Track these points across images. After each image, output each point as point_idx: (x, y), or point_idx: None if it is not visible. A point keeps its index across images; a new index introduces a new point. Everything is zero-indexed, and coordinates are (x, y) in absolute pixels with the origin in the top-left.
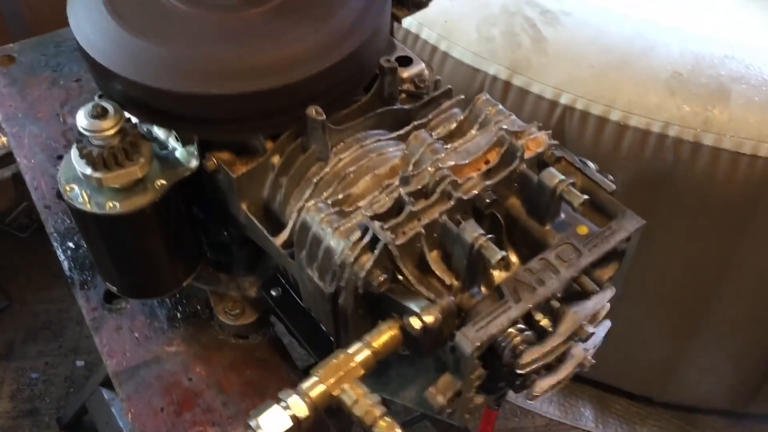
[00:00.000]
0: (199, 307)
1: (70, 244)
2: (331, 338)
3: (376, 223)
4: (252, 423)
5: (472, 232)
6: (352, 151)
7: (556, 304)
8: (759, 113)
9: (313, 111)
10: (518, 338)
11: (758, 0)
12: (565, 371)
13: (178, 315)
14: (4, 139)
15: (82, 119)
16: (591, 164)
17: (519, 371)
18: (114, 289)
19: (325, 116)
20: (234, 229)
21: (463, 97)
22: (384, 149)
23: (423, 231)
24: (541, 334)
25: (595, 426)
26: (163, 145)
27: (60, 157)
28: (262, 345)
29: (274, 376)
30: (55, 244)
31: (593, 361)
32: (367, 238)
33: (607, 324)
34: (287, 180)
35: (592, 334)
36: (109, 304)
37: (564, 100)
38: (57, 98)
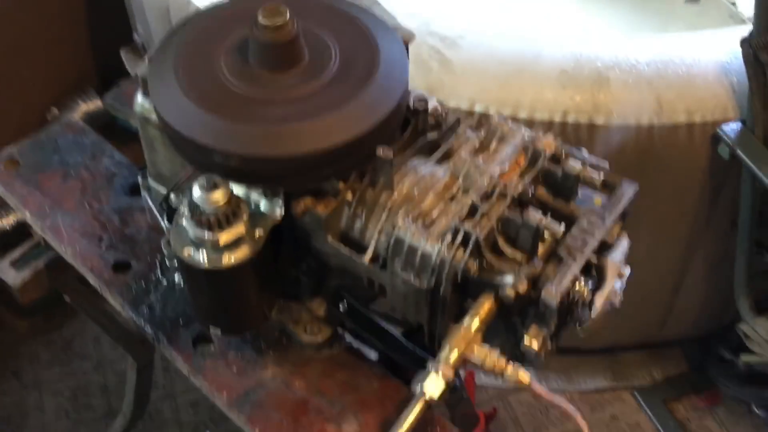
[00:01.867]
0: (277, 334)
1: (145, 309)
2: (397, 335)
3: (465, 224)
4: (417, 389)
5: (535, 217)
6: (410, 178)
7: (594, 258)
8: (634, 91)
9: (382, 151)
10: (584, 288)
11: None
12: (601, 306)
13: (263, 345)
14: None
15: (197, 192)
16: (584, 151)
17: (589, 310)
18: (218, 331)
19: (392, 155)
20: (308, 262)
21: (470, 122)
22: (432, 172)
23: (495, 225)
24: (597, 282)
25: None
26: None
27: (101, 238)
28: (341, 353)
29: (361, 373)
30: (128, 313)
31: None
32: (459, 238)
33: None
34: (365, 210)
35: (627, 274)
36: (198, 347)
37: (478, 108)
38: (76, 188)
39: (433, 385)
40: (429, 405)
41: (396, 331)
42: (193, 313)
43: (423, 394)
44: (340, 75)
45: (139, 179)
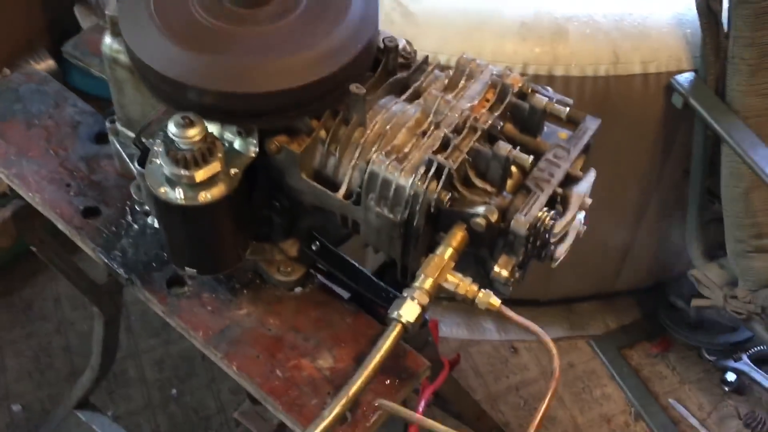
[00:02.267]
0: (250, 275)
1: (117, 252)
2: (369, 273)
3: (439, 157)
4: (394, 315)
5: (505, 148)
6: (381, 115)
7: (560, 190)
8: (592, 42)
9: (355, 87)
10: (548, 216)
11: None
12: (569, 240)
13: (236, 285)
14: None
15: (173, 129)
16: (549, 89)
17: (552, 240)
18: (193, 270)
19: (364, 91)
20: (281, 201)
21: (440, 61)
22: (403, 109)
23: (467, 156)
24: (561, 211)
25: (498, 335)
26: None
27: (68, 185)
28: (314, 291)
29: (334, 309)
30: (100, 256)
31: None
32: (432, 170)
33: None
34: (338, 147)
35: (588, 205)
36: (172, 290)
37: (441, 59)
38: (40, 137)
39: (409, 310)
40: (405, 329)
41: (366, 270)
42: (168, 254)
43: (400, 317)
44: (313, 13)
45: (107, 124)
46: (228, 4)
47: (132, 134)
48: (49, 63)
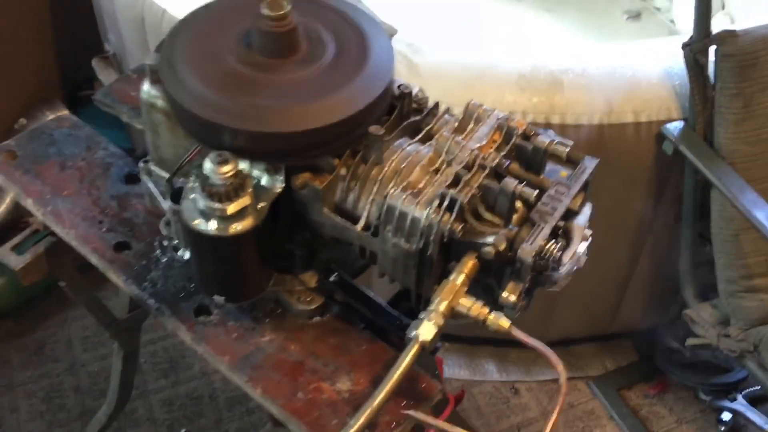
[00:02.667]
0: (272, 304)
1: (147, 284)
2: (383, 303)
3: (451, 191)
4: (412, 334)
5: (512, 183)
6: (397, 154)
7: (562, 223)
8: (586, 93)
9: (374, 129)
10: (554, 247)
11: (550, 12)
12: (571, 267)
13: (259, 314)
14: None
15: (209, 166)
16: (550, 131)
17: (560, 269)
18: (221, 298)
19: (383, 132)
20: (303, 234)
21: (448, 107)
22: (416, 150)
23: (477, 191)
24: (565, 243)
25: (500, 376)
26: None
27: (100, 222)
28: (332, 319)
29: (351, 337)
30: (131, 288)
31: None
32: (445, 203)
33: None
34: (358, 183)
35: (590, 237)
36: (199, 318)
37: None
38: (74, 177)
39: (426, 330)
40: (423, 348)
41: (382, 300)
42: (198, 283)
43: (417, 337)
44: (336, 62)
45: (140, 164)
46: (259, 53)
47: (165, 173)
48: (64, 113)
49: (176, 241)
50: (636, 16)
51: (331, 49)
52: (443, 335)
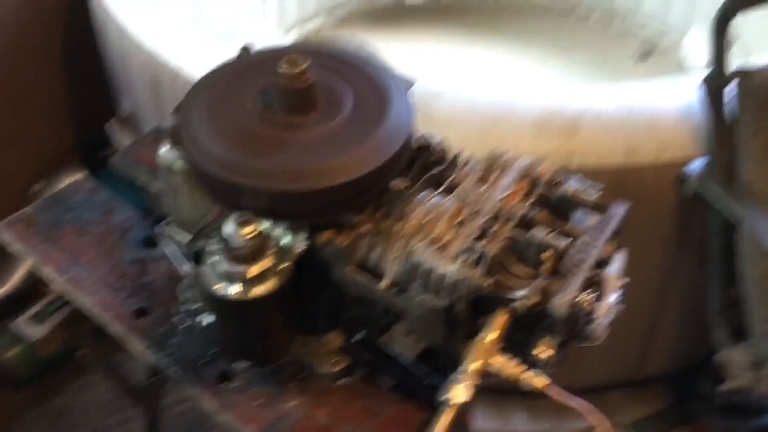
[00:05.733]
0: (296, 368)
1: (167, 351)
2: (409, 363)
3: (478, 244)
4: (444, 398)
5: (540, 233)
6: (420, 208)
7: (595, 272)
8: (604, 136)
9: (396, 183)
10: (587, 299)
11: (557, 57)
12: (607, 319)
13: (284, 378)
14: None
15: (230, 228)
16: (578, 177)
17: (594, 321)
18: (245, 363)
19: (404, 186)
20: (327, 295)
21: (469, 155)
22: (440, 202)
23: (504, 243)
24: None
25: (530, 426)
26: None
27: (119, 288)
28: (359, 381)
29: (380, 398)
30: (152, 356)
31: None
32: (472, 257)
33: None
34: (381, 240)
35: (624, 286)
36: (222, 385)
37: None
38: (92, 243)
39: (460, 393)
40: (458, 411)
41: (408, 358)
42: (221, 348)
43: (449, 401)
44: (355, 116)
45: (160, 228)
46: (277, 112)
47: (183, 237)
48: (79, 176)
49: (196, 306)
50: (645, 56)
51: (350, 102)
52: None
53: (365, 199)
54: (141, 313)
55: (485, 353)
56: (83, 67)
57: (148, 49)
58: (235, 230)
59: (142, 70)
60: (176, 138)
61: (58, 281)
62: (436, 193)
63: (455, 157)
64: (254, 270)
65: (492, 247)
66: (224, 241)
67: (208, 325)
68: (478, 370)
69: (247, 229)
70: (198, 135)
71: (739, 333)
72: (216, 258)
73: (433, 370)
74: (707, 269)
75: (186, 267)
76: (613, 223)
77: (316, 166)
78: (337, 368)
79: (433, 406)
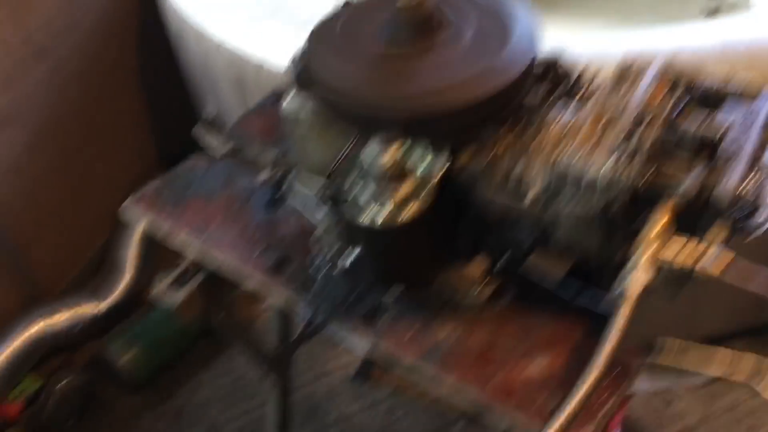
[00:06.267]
0: (444, 297)
1: (312, 298)
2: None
3: (634, 139)
4: (618, 291)
5: (693, 124)
6: (557, 121)
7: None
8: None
9: (530, 100)
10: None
11: (624, 21)
12: None
13: (433, 308)
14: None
15: (376, 150)
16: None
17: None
18: (391, 299)
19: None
20: (469, 218)
21: (598, 68)
22: (575, 113)
23: (654, 139)
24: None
25: (649, 385)
26: None
27: (252, 247)
28: (509, 304)
29: (533, 318)
30: (300, 303)
31: None
32: (623, 156)
33: None
34: (522, 155)
35: None
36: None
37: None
38: (218, 210)
39: (637, 279)
40: (638, 301)
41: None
42: (370, 281)
43: (626, 291)
44: (481, 35)
45: (287, 184)
46: (403, 44)
47: (317, 181)
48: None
49: (333, 251)
50: (713, 12)
51: (474, 22)
52: None
53: (501, 117)
54: (280, 264)
55: (656, 243)
56: (159, 81)
57: (230, 47)
58: (379, 152)
59: (226, 69)
60: (305, 82)
61: (194, 244)
62: (572, 104)
63: (583, 71)
64: (404, 189)
65: (647, 138)
66: (366, 170)
67: (352, 264)
68: (652, 258)
69: (392, 149)
70: (329, 74)
71: None
72: (357, 189)
73: (581, 288)
74: None
75: (320, 215)
76: (765, 110)
77: (452, 84)
78: (485, 293)
79: (592, 320)
